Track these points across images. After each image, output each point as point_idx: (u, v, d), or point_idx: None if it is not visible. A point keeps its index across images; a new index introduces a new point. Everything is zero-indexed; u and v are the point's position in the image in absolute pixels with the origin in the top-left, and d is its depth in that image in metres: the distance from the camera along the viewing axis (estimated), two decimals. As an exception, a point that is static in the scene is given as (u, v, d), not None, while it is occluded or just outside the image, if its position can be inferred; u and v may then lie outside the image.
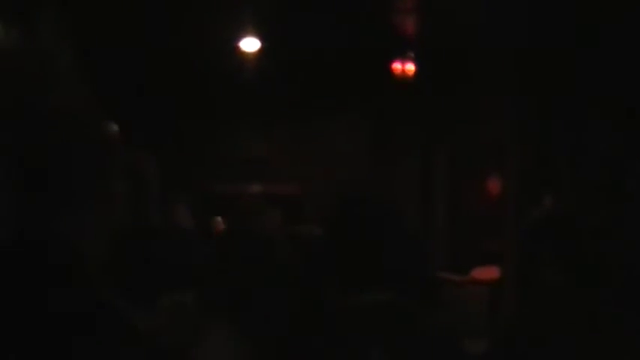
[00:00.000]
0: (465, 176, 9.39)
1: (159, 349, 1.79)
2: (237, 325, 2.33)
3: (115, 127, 1.81)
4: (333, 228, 2.15)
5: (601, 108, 6.39)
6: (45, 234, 1.66)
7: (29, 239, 1.66)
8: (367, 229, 2.08)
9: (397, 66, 8.49)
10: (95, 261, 1.70)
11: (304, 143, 9.86)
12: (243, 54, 8.25)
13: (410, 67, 8.48)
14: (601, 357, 2.34)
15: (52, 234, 1.66)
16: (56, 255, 1.63)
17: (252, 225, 4.41)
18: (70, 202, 1.69)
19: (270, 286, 2.41)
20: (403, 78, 8.51)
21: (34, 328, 1.55)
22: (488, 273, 7.66)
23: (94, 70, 5.31)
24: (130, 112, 6.09)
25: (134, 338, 1.62)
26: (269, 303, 2.38)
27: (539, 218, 2.65)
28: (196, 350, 2.24)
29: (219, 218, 5.59)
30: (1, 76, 3.67)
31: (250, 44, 8.13)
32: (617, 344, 2.36)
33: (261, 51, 8.20)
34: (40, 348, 1.55)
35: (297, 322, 2.32)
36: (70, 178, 1.69)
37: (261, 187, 6.02)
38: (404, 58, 8.47)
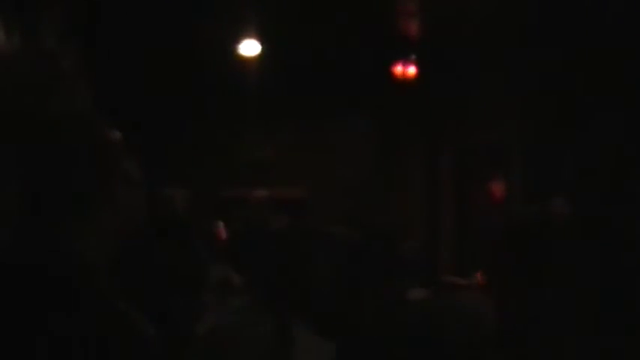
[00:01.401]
0: (470, 178, 9.37)
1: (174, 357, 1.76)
2: (311, 323, 2.31)
3: (117, 131, 1.80)
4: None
5: (606, 107, 6.37)
6: (49, 240, 1.64)
7: (34, 246, 1.64)
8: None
9: (398, 69, 8.48)
10: (101, 267, 1.68)
11: (309, 146, 9.85)
12: (244, 57, 8.26)
13: (411, 70, 8.47)
14: (604, 357, 2.32)
15: (56, 240, 1.64)
16: (61, 262, 1.62)
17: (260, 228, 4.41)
18: (74, 207, 1.67)
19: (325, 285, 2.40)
20: (405, 81, 8.51)
21: (41, 338, 1.53)
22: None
23: (95, 72, 5.32)
24: (132, 116, 6.09)
25: (148, 348, 1.59)
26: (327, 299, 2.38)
27: (508, 226, 2.47)
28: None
29: (221, 222, 5.61)
30: (3, 79, 3.67)
31: (251, 47, 8.14)
32: (619, 344, 2.34)
33: (262, 54, 8.21)
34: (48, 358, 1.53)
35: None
36: (74, 182, 1.68)
37: (267, 190, 6.00)
38: (405, 61, 8.46)
